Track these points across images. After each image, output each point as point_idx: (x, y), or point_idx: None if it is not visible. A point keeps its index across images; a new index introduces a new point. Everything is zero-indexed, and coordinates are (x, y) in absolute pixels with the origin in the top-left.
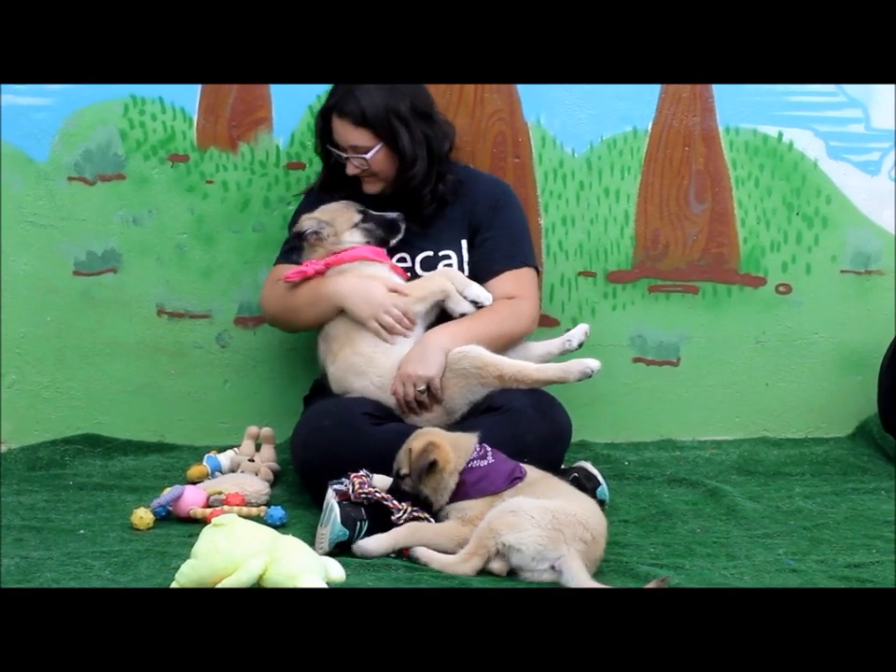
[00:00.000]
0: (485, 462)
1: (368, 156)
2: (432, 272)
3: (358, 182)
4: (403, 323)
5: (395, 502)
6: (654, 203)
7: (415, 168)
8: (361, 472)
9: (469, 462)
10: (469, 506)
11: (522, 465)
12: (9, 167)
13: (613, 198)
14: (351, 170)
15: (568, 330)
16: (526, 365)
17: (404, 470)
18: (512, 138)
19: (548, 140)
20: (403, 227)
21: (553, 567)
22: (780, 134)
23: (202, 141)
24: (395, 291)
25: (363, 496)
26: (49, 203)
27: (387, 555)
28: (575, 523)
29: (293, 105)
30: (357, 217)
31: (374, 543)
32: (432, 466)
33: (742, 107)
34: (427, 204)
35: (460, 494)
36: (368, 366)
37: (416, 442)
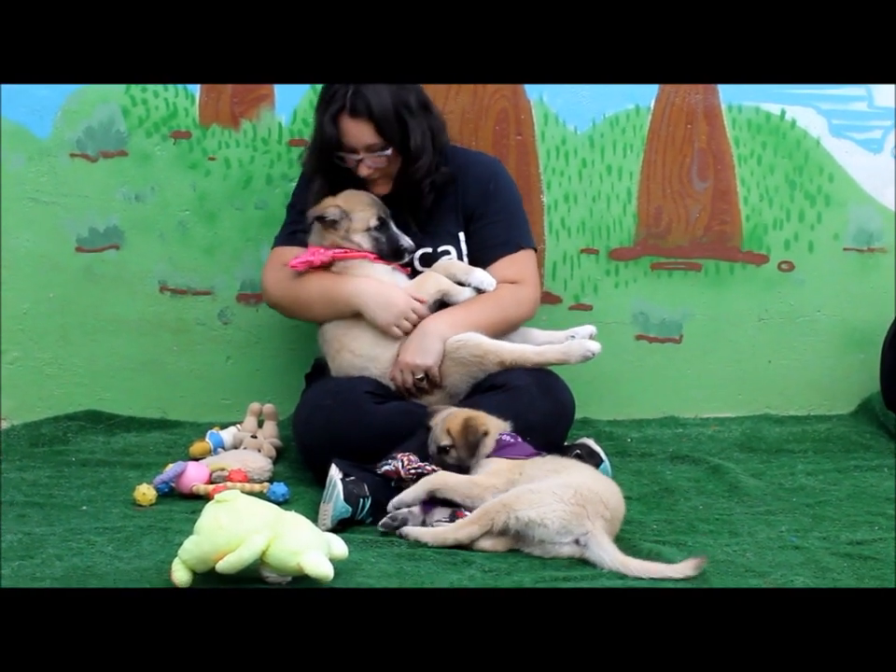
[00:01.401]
0: (514, 440)
1: (388, 152)
2: (428, 269)
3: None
4: (416, 320)
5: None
6: (657, 180)
7: (422, 160)
8: (405, 454)
9: (500, 435)
10: (487, 462)
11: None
12: (12, 144)
13: (616, 175)
14: (364, 171)
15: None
16: (526, 349)
17: (445, 442)
18: (515, 116)
19: (550, 117)
20: (408, 258)
21: (577, 542)
22: (783, 112)
23: (204, 118)
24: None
25: (413, 471)
26: (51, 180)
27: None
28: (597, 500)
29: None
30: (374, 223)
31: (405, 495)
32: (485, 436)
33: (745, 85)
34: (426, 196)
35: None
36: (368, 362)
37: (452, 421)
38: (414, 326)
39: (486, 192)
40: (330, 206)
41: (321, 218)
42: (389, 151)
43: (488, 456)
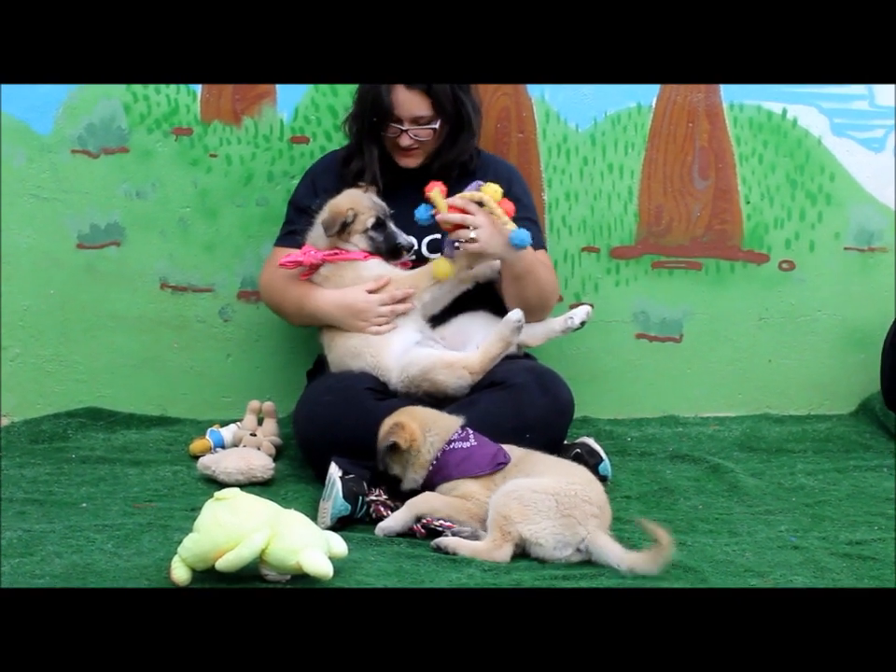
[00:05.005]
0: (467, 444)
1: (436, 125)
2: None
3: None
4: (398, 310)
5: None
6: (658, 179)
7: (474, 138)
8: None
9: (449, 443)
10: (456, 486)
11: (505, 448)
12: (13, 140)
13: (617, 174)
14: (407, 141)
15: (572, 307)
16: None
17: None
18: (517, 113)
19: (552, 115)
20: (407, 257)
21: (578, 550)
22: (784, 111)
23: (205, 114)
24: (378, 288)
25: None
26: (52, 177)
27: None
28: (579, 502)
29: None
30: (371, 223)
31: (393, 521)
32: (393, 447)
33: (746, 83)
34: (453, 175)
35: (442, 474)
36: (363, 347)
37: (387, 421)
38: (395, 312)
39: (508, 192)
40: (347, 210)
41: (345, 224)
42: (437, 124)
43: (440, 475)
